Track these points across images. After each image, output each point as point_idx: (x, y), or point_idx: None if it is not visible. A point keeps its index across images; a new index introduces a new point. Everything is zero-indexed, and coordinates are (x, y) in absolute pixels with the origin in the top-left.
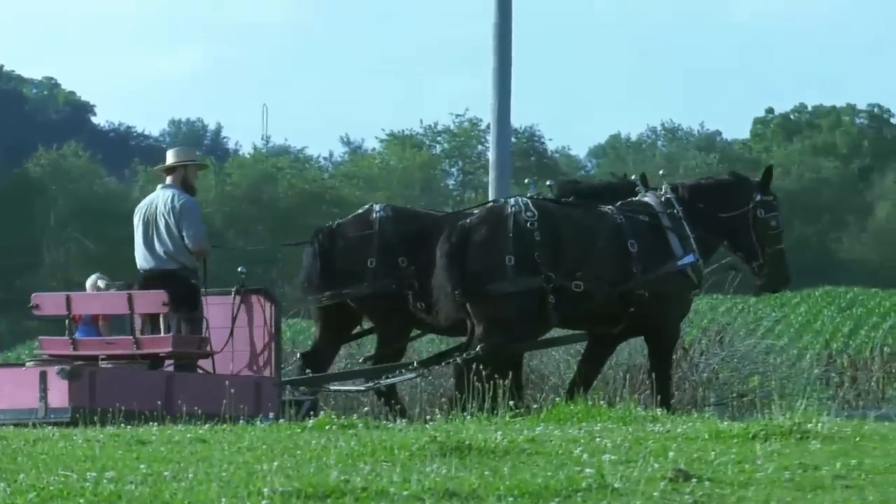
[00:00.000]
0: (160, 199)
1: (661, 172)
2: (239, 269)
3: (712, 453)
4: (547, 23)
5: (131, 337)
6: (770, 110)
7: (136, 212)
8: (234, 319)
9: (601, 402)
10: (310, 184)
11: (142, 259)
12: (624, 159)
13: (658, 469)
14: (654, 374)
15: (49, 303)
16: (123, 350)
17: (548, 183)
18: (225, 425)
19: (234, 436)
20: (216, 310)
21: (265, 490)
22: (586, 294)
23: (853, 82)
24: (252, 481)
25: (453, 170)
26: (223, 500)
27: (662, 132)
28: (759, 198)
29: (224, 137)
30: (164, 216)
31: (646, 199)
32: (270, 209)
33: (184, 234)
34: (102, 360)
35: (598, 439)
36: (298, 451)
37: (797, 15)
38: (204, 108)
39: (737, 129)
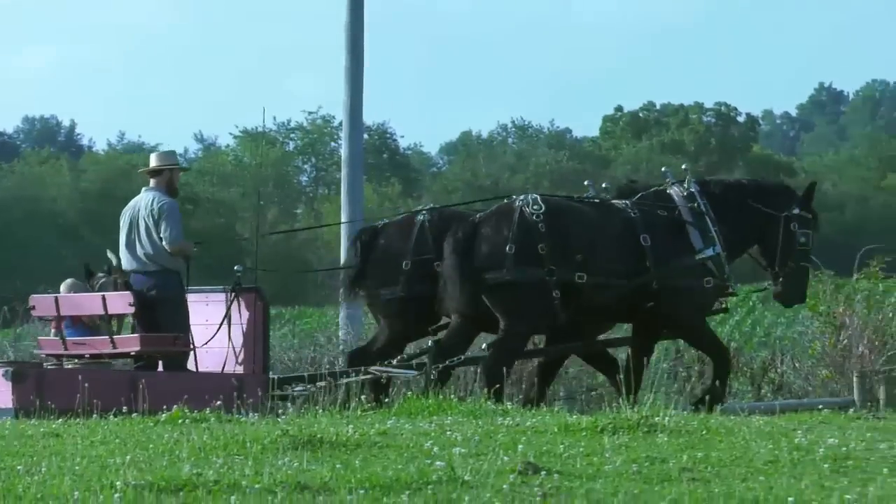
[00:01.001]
0: (143, 201)
1: (683, 167)
2: (235, 268)
3: (561, 446)
4: (399, 21)
5: (107, 337)
6: (619, 108)
7: (122, 214)
8: (229, 317)
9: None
10: None
11: (125, 261)
12: (475, 156)
13: (508, 462)
14: (706, 369)
15: (42, 304)
16: (102, 349)
17: (603, 185)
18: (78, 420)
19: (88, 430)
20: (210, 308)
21: (118, 483)
22: (593, 287)
23: (700, 81)
24: (105, 475)
25: (306, 166)
26: (76, 493)
27: (513, 129)
28: (796, 211)
29: (78, 134)
30: (145, 219)
31: (670, 191)
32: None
33: (162, 235)
34: (84, 359)
35: (448, 433)
36: (151, 445)
37: (647, 15)
38: (57, 105)
39: (586, 126)
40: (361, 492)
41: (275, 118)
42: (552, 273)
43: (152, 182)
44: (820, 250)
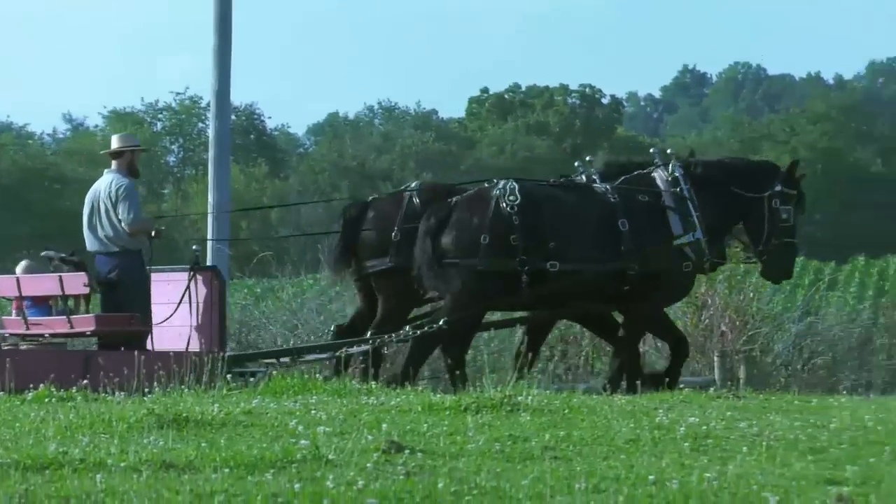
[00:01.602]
0: (103, 183)
1: (668, 151)
2: (193, 248)
3: (425, 425)
4: (268, 1)
5: (65, 317)
6: (485, 90)
7: (86, 196)
8: (189, 296)
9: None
10: (32, 160)
11: (88, 242)
12: (342, 137)
13: (372, 441)
14: (615, 348)
15: (4, 285)
16: (59, 329)
17: (587, 158)
18: None
19: None
20: (167, 287)
21: None
22: (566, 274)
23: (565, 63)
24: None
25: (174, 147)
26: None
27: (380, 111)
28: (778, 188)
29: None
30: (104, 201)
31: (654, 174)
32: None
33: (121, 217)
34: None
35: (313, 412)
36: (17, 424)
37: None
38: None
39: (452, 107)
40: (226, 470)
41: (143, 99)
42: (524, 264)
43: (113, 164)
44: None
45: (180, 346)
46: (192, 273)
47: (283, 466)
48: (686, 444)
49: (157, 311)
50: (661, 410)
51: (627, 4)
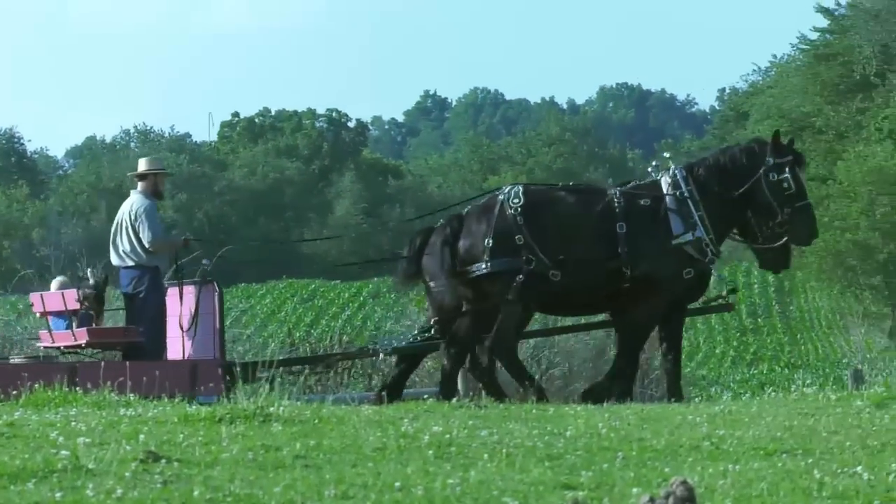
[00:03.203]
0: (128, 204)
1: (665, 155)
2: (203, 262)
3: (181, 435)
4: (25, 26)
5: (70, 331)
6: (236, 114)
7: (116, 214)
8: (197, 309)
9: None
10: None
11: (112, 257)
12: (100, 159)
13: (130, 451)
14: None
15: (35, 300)
16: (66, 341)
17: (666, 155)
18: None
19: None
20: (174, 300)
21: None
22: (568, 273)
23: (314, 89)
24: None
25: None
26: None
27: (136, 134)
28: (770, 162)
29: None
30: (126, 220)
31: (660, 179)
32: None
33: (141, 235)
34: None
35: (73, 423)
36: None
37: (264, 24)
38: None
39: (204, 131)
40: None
41: None
42: (529, 262)
43: (139, 186)
44: None
45: (184, 356)
46: (200, 285)
47: (44, 476)
48: (430, 451)
49: (172, 322)
50: (406, 420)
51: (372, 32)
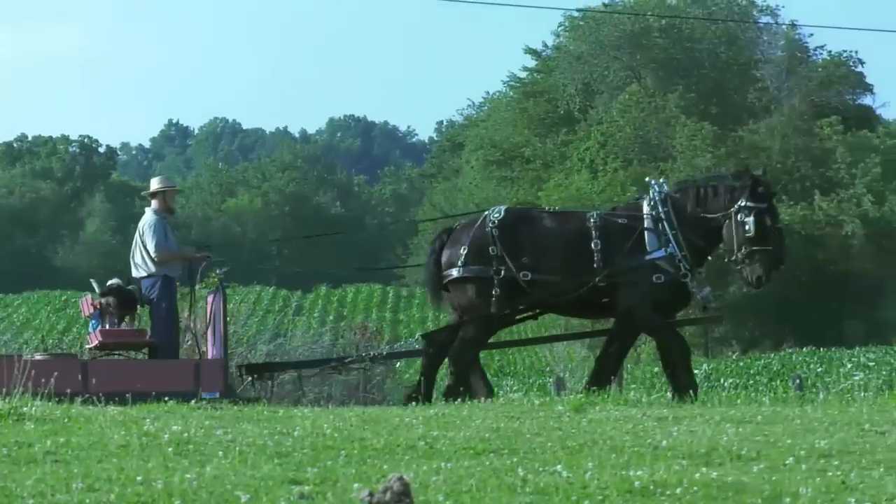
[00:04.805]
0: (141, 220)
1: (646, 179)
2: (218, 271)
3: None
4: None
5: (95, 332)
6: None
7: None
8: (212, 313)
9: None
10: None
11: (132, 269)
12: None
13: None
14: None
15: (81, 304)
16: (93, 342)
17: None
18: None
19: None
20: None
21: None
22: (538, 284)
23: (67, 115)
24: None
25: None
26: None
27: None
28: (742, 203)
29: None
30: (138, 234)
31: (642, 201)
32: None
33: (148, 248)
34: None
35: None
36: None
37: (23, 52)
38: None
39: None
40: None
41: None
42: (499, 272)
43: (153, 203)
44: None
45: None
46: (216, 293)
47: None
48: (170, 449)
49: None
50: (148, 419)
51: (122, 62)
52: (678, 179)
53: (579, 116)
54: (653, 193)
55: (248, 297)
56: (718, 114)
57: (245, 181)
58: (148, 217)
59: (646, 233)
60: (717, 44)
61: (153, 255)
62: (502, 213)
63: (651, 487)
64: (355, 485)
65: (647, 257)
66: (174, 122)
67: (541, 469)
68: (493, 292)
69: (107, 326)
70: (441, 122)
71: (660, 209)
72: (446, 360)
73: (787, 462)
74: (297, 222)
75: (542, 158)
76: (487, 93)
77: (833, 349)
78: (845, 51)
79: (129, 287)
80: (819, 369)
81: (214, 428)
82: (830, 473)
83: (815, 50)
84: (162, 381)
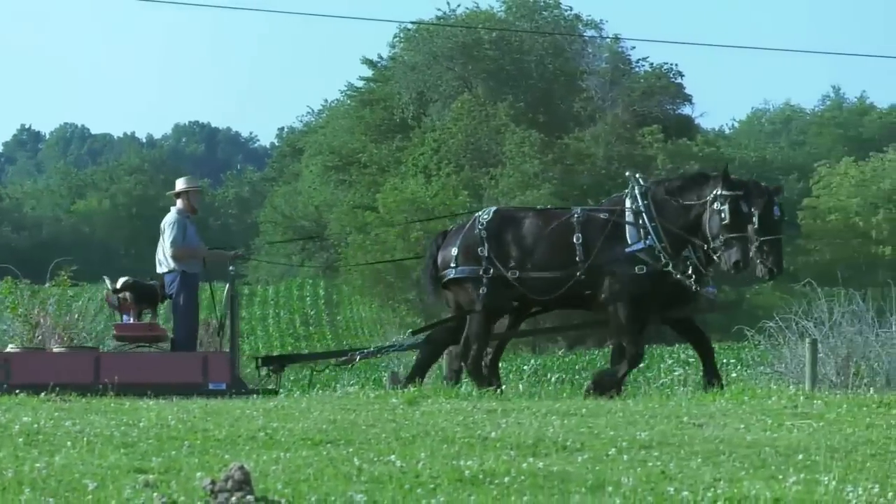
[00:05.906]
0: (164, 218)
1: (626, 174)
2: (230, 269)
3: None
4: None
5: (115, 324)
6: None
7: None
8: (229, 309)
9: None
10: None
11: (157, 265)
12: None
13: None
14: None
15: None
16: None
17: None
18: None
19: None
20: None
21: None
22: (525, 281)
23: None
24: None
25: None
26: None
27: None
28: (718, 192)
29: None
30: (161, 232)
31: (624, 196)
32: None
33: (166, 244)
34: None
35: None
36: None
37: None
38: None
39: None
40: None
41: None
42: (487, 271)
43: (177, 202)
44: (20, 263)
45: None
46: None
47: None
48: (20, 439)
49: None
50: None
51: None
52: (656, 179)
53: (413, 124)
54: (633, 187)
55: (97, 294)
56: (546, 122)
57: (94, 184)
58: (170, 216)
59: (626, 226)
60: (544, 56)
61: (169, 251)
62: (490, 214)
63: (480, 477)
64: (198, 473)
65: (628, 250)
66: (26, 126)
67: (375, 459)
68: (484, 291)
69: (124, 320)
70: (282, 129)
71: (640, 202)
72: (442, 359)
73: (610, 453)
74: (144, 223)
75: (378, 164)
76: (326, 101)
77: (654, 346)
78: (666, 63)
79: (151, 282)
80: (641, 365)
81: (63, 419)
82: (651, 464)
83: (637, 62)
84: (171, 373)
